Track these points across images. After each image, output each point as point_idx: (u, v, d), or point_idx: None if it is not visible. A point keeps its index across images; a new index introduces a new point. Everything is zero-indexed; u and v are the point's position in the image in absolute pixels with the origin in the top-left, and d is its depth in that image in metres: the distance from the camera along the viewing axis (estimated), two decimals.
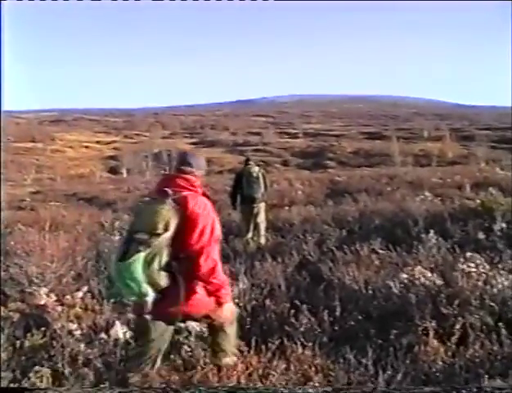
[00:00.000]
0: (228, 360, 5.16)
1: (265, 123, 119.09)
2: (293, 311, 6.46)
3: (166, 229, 4.58)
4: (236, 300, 6.55)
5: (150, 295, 4.53)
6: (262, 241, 12.69)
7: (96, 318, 6.61)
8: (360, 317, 6.45)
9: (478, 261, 6.97)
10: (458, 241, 9.75)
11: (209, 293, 4.87)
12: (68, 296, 7.35)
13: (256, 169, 13.09)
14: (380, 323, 6.20)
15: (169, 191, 4.76)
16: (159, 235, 4.55)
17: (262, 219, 13.17)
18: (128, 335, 6.01)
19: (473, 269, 6.70)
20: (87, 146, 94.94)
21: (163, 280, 4.61)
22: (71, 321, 6.53)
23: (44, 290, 7.40)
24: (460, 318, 5.84)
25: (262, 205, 13.26)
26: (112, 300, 6.20)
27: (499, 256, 8.13)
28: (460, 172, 28.78)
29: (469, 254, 7.42)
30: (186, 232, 4.69)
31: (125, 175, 68.53)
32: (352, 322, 6.35)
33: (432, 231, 9.93)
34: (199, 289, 4.81)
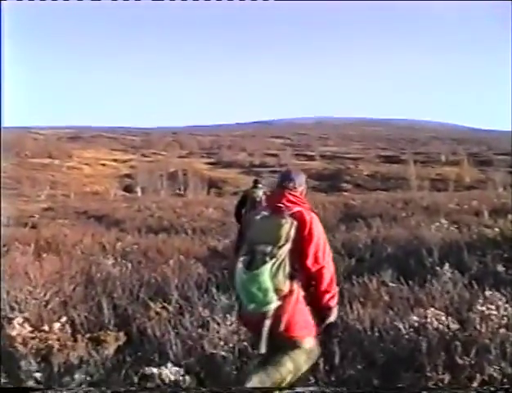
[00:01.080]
0: None
1: (282, 145, 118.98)
2: None
3: (287, 241, 4.82)
4: (224, 340, 5.91)
5: (274, 303, 4.74)
6: None
7: (69, 355, 5.97)
8: (362, 364, 5.64)
9: (499, 302, 6.07)
10: (475, 274, 9.07)
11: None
12: (45, 327, 6.68)
13: (260, 192, 12.48)
14: (386, 373, 5.41)
15: (285, 206, 5.02)
16: (281, 247, 4.80)
17: None
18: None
19: (494, 312, 5.85)
20: (103, 164, 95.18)
21: (287, 288, 4.80)
22: (38, 357, 5.88)
23: (19, 319, 6.72)
24: (477, 370, 5.10)
25: None
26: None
27: None
28: (477, 197, 28.19)
29: (488, 292, 6.54)
30: (303, 245, 4.87)
31: (139, 194, 68.48)
32: (353, 371, 5.52)
33: (447, 264, 9.16)
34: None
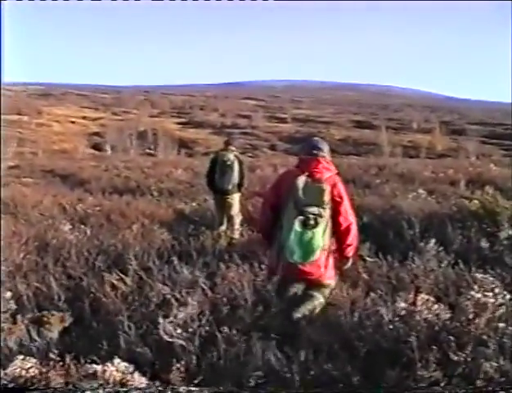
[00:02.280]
0: None
1: (255, 106, 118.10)
2: (255, 345, 5.03)
3: (328, 203, 5.98)
4: (183, 326, 5.24)
5: (317, 255, 5.96)
6: (235, 235, 11.32)
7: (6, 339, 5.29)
8: (341, 354, 4.93)
9: (493, 288, 5.36)
10: (459, 250, 8.59)
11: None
12: None
13: (231, 156, 11.75)
14: (368, 367, 4.76)
15: (321, 172, 6.08)
16: (325, 208, 5.97)
17: (235, 211, 11.90)
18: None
19: (491, 299, 5.14)
20: (73, 122, 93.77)
21: (327, 243, 6.05)
22: None
23: None
24: (473, 367, 4.48)
25: (236, 196, 11.97)
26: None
27: (509, 274, 6.92)
28: (451, 166, 27.61)
29: (480, 275, 5.87)
30: (335, 205, 6.04)
31: (109, 152, 67.49)
32: (330, 364, 4.80)
33: (432, 240, 8.43)
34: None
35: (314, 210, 5.89)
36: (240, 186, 11.85)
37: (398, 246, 9.11)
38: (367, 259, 7.95)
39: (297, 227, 5.89)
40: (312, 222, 5.88)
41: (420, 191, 15.56)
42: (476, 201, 12.00)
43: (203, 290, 6.24)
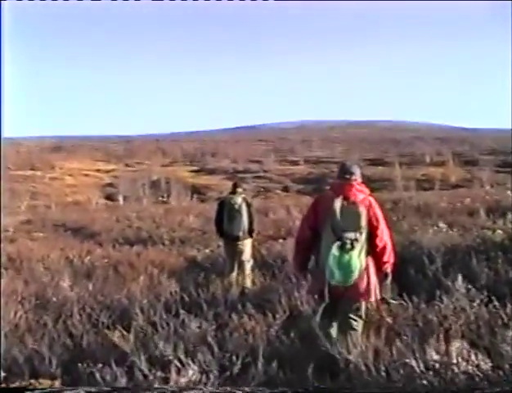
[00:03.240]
0: None
1: (266, 150, 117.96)
2: None
3: (365, 227, 6.12)
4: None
5: (356, 276, 6.06)
6: (248, 283, 10.72)
7: None
8: None
9: None
10: (487, 284, 7.90)
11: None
12: None
13: (238, 199, 11.21)
14: None
15: (355, 196, 6.25)
16: (362, 232, 6.11)
17: (247, 257, 11.34)
18: None
19: None
20: (86, 174, 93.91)
21: (364, 264, 6.16)
22: None
23: None
24: None
25: (248, 242, 11.44)
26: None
27: None
28: (467, 195, 27.02)
29: None
30: (372, 227, 6.20)
31: (121, 202, 67.36)
32: None
33: (459, 276, 7.60)
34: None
35: (351, 235, 6.04)
36: (250, 231, 11.36)
37: (421, 283, 8.51)
38: (391, 301, 7.36)
39: (334, 251, 6.00)
40: (348, 246, 6.00)
41: (441, 224, 14.81)
42: (500, 231, 11.43)
43: (209, 347, 5.68)
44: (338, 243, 6.01)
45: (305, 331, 6.64)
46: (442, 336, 5.30)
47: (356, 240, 6.03)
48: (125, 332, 6.54)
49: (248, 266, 11.28)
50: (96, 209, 51.93)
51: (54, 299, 8.88)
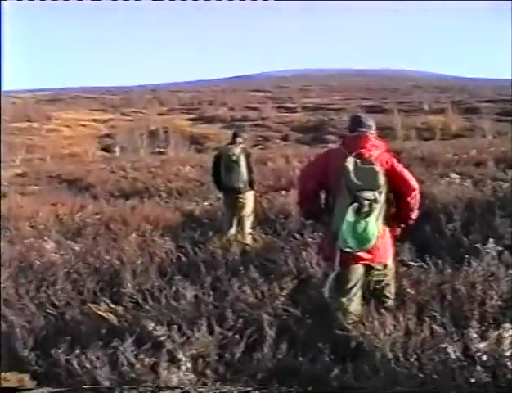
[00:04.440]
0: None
1: (263, 98, 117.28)
2: None
3: (384, 186, 5.41)
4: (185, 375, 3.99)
5: (373, 242, 5.41)
6: (248, 241, 9.88)
7: None
8: None
9: None
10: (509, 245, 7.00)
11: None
12: None
13: (236, 150, 10.41)
14: None
15: (370, 151, 5.50)
16: (381, 192, 5.39)
17: (248, 212, 10.54)
18: None
19: None
20: (83, 125, 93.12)
21: (382, 229, 5.53)
22: None
23: None
24: None
25: (250, 195, 10.62)
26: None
27: None
28: (471, 146, 26.31)
29: None
30: (396, 185, 5.55)
31: (118, 154, 66.72)
32: None
33: (491, 240, 6.61)
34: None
35: (369, 194, 5.32)
36: (251, 183, 10.58)
37: (440, 244, 7.76)
38: (411, 263, 6.65)
39: (349, 217, 5.33)
40: (366, 209, 5.31)
41: (453, 175, 13.98)
42: None
43: (209, 325, 4.96)
44: (354, 205, 5.31)
45: (318, 300, 5.91)
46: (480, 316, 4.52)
47: (375, 200, 5.33)
48: (112, 305, 5.84)
49: (248, 222, 10.52)
50: (93, 160, 51.25)
51: (37, 263, 8.14)
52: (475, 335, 4.08)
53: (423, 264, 6.52)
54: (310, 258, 7.11)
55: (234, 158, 10.24)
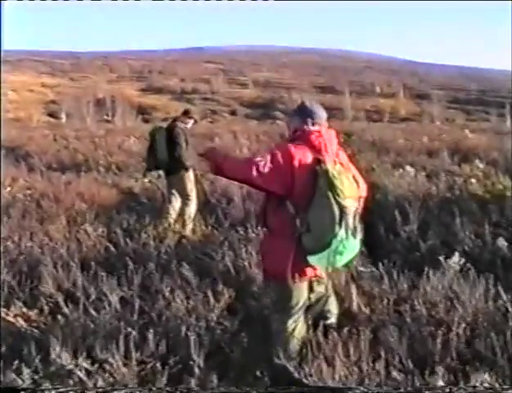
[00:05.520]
0: None
1: (215, 70, 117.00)
2: None
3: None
4: None
5: None
6: (187, 231, 9.05)
7: None
8: None
9: None
10: (473, 255, 6.43)
11: None
12: None
13: (178, 127, 9.63)
14: None
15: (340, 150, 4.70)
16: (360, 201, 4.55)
17: (184, 194, 9.66)
18: None
19: None
20: (31, 90, 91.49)
21: None
22: None
23: None
24: None
25: (186, 176, 9.65)
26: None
27: None
28: (422, 132, 26.11)
29: None
30: None
31: (64, 120, 65.58)
32: None
33: (457, 254, 5.82)
34: None
35: (356, 205, 4.43)
36: (179, 160, 9.54)
37: (394, 246, 7.14)
38: (362, 269, 5.93)
39: (341, 231, 4.27)
40: (354, 223, 4.39)
41: (408, 168, 13.24)
42: (473, 180, 10.16)
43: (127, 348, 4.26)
44: (346, 218, 4.30)
45: (256, 311, 5.24)
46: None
47: (357, 210, 4.47)
48: (25, 309, 5.12)
49: (188, 209, 9.69)
50: (37, 126, 49.98)
51: None
52: (441, 382, 3.43)
53: (374, 270, 5.87)
54: (250, 257, 6.42)
55: (175, 134, 9.46)
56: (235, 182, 7.62)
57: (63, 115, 69.23)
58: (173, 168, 9.50)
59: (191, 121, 9.98)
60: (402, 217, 7.82)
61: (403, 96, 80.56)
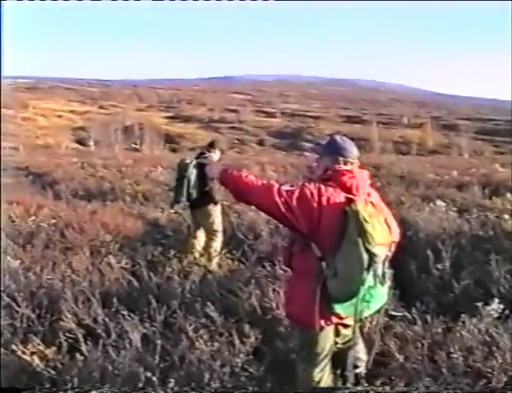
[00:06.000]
0: None
1: (243, 100, 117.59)
2: None
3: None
4: None
5: None
6: (213, 266, 8.80)
7: None
8: None
9: None
10: (508, 297, 6.07)
11: None
12: None
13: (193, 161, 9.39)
14: None
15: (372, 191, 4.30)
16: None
17: (215, 228, 9.42)
18: None
19: None
20: (59, 116, 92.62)
21: None
22: None
23: None
24: None
25: (215, 209, 9.47)
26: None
27: None
28: (451, 165, 25.89)
29: None
30: None
31: (92, 148, 66.02)
32: None
33: (496, 300, 5.49)
34: None
35: (384, 251, 4.02)
36: (208, 194, 9.31)
37: (426, 285, 6.85)
38: (394, 313, 5.51)
39: (369, 278, 3.94)
40: (381, 269, 4.00)
41: (439, 202, 12.88)
42: (506, 216, 9.83)
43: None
44: (375, 266, 3.95)
45: (283, 355, 5.00)
46: None
47: (387, 257, 4.09)
48: (43, 346, 4.91)
49: (214, 243, 9.45)
50: (65, 153, 50.22)
51: None
52: None
53: (407, 314, 5.56)
54: (277, 296, 6.15)
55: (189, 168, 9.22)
56: (262, 215, 7.23)
57: (91, 143, 69.64)
58: (201, 201, 9.29)
59: (219, 152, 9.76)
60: (434, 255, 7.51)
61: (431, 127, 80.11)
